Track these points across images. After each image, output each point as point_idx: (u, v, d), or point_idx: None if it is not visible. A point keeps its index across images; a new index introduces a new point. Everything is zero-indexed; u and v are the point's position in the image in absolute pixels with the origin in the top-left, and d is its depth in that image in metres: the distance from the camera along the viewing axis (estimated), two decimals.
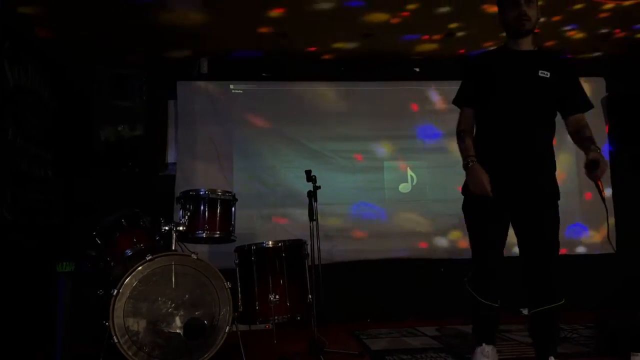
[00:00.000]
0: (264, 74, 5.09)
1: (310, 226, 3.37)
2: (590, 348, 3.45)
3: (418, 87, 5.09)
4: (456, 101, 2.84)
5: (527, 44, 2.67)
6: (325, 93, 5.09)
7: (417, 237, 4.99)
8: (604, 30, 4.63)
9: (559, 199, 2.65)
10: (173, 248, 3.32)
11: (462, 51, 4.99)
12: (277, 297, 3.37)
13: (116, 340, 3.00)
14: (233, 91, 5.05)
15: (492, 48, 2.89)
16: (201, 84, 4.98)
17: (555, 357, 2.56)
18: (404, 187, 5.06)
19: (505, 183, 2.58)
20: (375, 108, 5.07)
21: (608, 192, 5.15)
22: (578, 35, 4.71)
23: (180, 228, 3.37)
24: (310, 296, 3.45)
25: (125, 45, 4.61)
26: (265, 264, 3.45)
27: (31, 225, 4.07)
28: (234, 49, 4.81)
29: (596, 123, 5.20)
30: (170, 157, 4.99)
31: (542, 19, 4.33)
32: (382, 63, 5.06)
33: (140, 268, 3.12)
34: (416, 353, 3.50)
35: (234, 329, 3.25)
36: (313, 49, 4.87)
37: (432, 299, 4.78)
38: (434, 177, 5.02)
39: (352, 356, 3.45)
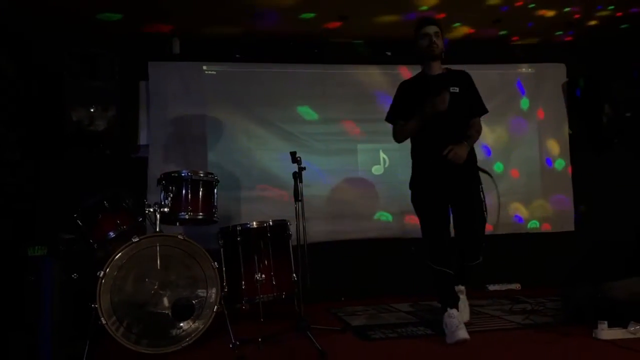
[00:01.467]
0: (237, 55, 5.05)
1: (296, 207, 3.41)
2: (557, 319, 3.67)
3: (390, 70, 5.17)
4: (389, 118, 3.51)
5: (437, 69, 3.41)
6: (300, 75, 5.10)
7: (390, 217, 5.12)
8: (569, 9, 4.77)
9: (481, 182, 3.42)
10: (157, 229, 3.31)
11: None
12: (263, 276, 3.44)
13: (104, 322, 3.00)
14: (206, 72, 4.99)
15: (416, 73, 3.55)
16: (173, 64, 4.90)
17: (462, 284, 3.50)
18: (377, 169, 5.17)
19: (440, 177, 3.30)
20: (349, 91, 5.14)
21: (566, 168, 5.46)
22: (546, 17, 4.86)
23: (165, 209, 3.36)
24: (294, 275, 3.52)
25: (93, 23, 4.48)
26: (250, 244, 3.49)
27: (1, 209, 3.95)
28: (207, 28, 4.75)
29: (557, 107, 5.49)
30: (142, 139, 4.90)
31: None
32: (355, 46, 5.14)
33: (126, 249, 3.11)
34: (396, 327, 3.63)
35: (221, 308, 3.29)
36: (288, 30, 4.87)
37: (404, 277, 4.92)
38: (405, 159, 5.07)
39: (335, 332, 3.56)
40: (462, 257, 3.41)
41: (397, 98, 3.49)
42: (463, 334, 3.09)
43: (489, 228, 3.63)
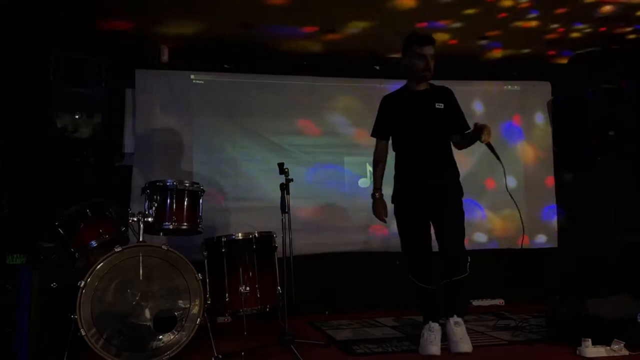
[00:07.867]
0: (225, 66, 5.04)
1: (282, 219, 3.39)
2: (541, 335, 3.68)
3: (378, 84, 5.17)
4: (374, 133, 3.57)
5: (424, 85, 3.43)
6: (288, 87, 5.10)
7: (374, 231, 5.09)
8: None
9: (462, 195, 3.40)
10: (141, 239, 3.26)
11: None
12: (248, 288, 3.39)
13: (83, 334, 2.93)
14: (194, 82, 4.96)
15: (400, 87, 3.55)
16: (161, 72, 4.86)
17: (458, 315, 3.23)
18: (363, 182, 5.15)
19: (422, 190, 3.32)
20: (336, 103, 5.15)
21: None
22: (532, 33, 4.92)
23: (149, 219, 3.31)
24: (279, 288, 3.49)
25: (80, 29, 4.44)
26: (235, 256, 3.45)
27: None
28: (195, 37, 4.72)
29: (541, 125, 5.55)
30: (128, 147, 4.85)
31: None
32: (345, 59, 5.15)
33: (108, 259, 3.05)
34: (381, 342, 3.61)
35: (204, 321, 3.24)
36: (277, 41, 4.87)
37: (387, 291, 4.91)
38: (391, 174, 5.10)
39: (319, 346, 3.52)
40: (445, 273, 3.28)
41: (380, 113, 3.50)
42: (435, 349, 3.16)
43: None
